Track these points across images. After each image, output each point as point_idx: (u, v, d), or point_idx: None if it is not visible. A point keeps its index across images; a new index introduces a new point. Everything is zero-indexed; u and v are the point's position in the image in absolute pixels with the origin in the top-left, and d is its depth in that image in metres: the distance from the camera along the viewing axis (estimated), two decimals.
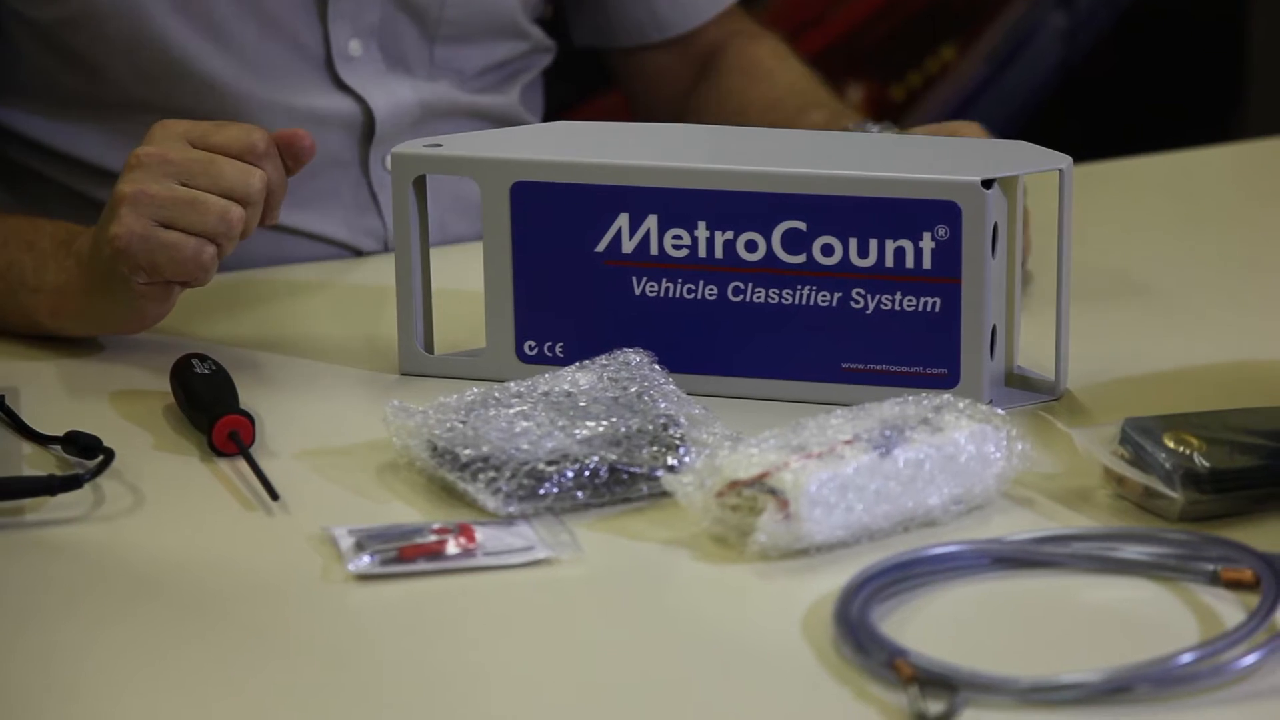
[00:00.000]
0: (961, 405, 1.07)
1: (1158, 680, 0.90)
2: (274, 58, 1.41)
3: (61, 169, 1.44)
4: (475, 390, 1.13)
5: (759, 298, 1.18)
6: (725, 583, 1.01)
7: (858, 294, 1.17)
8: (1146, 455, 1.06)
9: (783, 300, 1.18)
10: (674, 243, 1.18)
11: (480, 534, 1.03)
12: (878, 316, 1.17)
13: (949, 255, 1.15)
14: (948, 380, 1.16)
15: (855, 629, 0.93)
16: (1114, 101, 2.61)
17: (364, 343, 1.29)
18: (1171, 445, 1.06)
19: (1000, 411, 1.08)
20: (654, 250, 1.19)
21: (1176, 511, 1.04)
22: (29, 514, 1.07)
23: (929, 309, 1.16)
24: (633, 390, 1.13)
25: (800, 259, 1.17)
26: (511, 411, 1.11)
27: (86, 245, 1.25)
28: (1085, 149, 1.74)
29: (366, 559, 1.01)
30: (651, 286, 1.19)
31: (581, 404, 1.12)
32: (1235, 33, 2.66)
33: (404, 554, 1.01)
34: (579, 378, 1.14)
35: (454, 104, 1.48)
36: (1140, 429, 1.07)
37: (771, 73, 1.54)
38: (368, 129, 1.45)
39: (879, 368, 1.17)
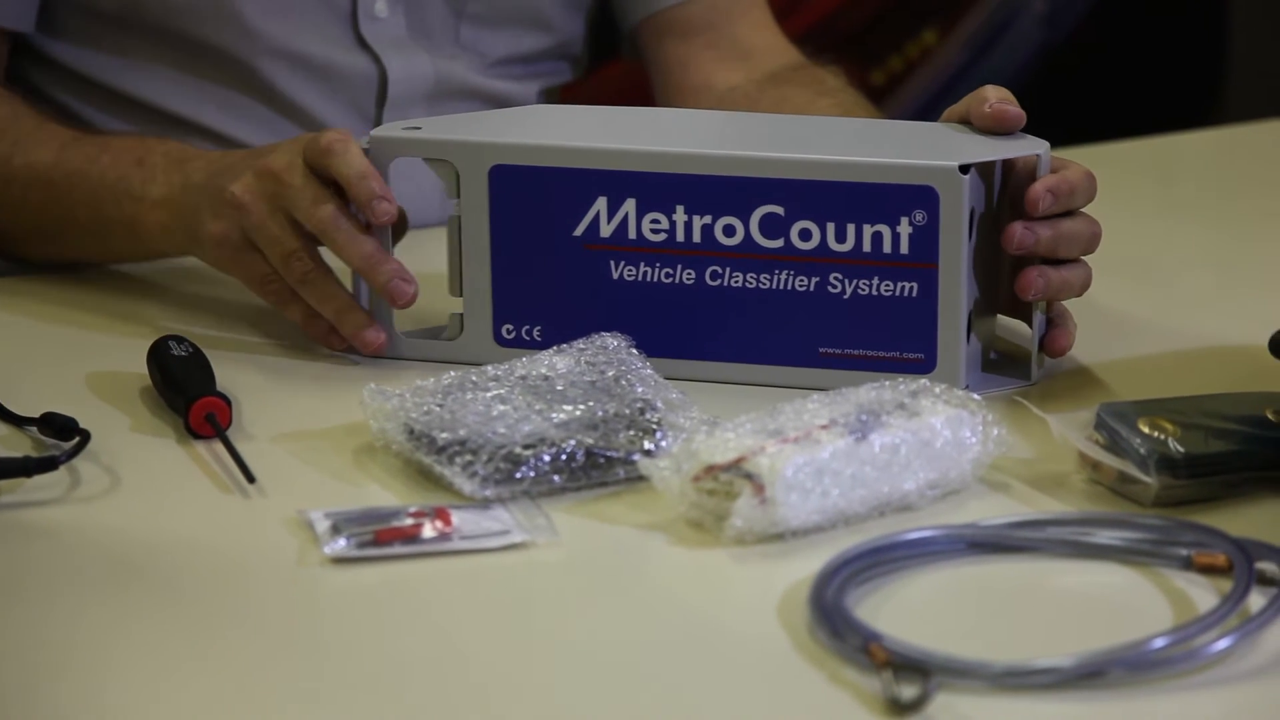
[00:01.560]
0: (938, 390, 1.07)
1: (1131, 665, 0.90)
2: (302, 7, 1.42)
3: (97, 99, 1.44)
4: (452, 374, 1.13)
5: (736, 282, 1.18)
6: (701, 567, 1.01)
7: (835, 278, 1.17)
8: (1121, 440, 1.06)
9: (760, 285, 1.18)
10: (652, 227, 1.18)
11: (456, 518, 1.03)
12: (855, 301, 1.17)
13: (926, 240, 1.15)
14: (924, 365, 1.17)
15: (830, 613, 0.94)
16: (1094, 86, 2.61)
17: None
18: (1146, 430, 1.06)
19: (976, 397, 1.08)
20: (632, 234, 1.19)
21: (1151, 497, 1.05)
22: (4, 496, 1.07)
23: (906, 294, 1.16)
24: (610, 374, 1.13)
25: (778, 243, 1.17)
26: (488, 395, 1.11)
27: (199, 170, 1.28)
28: (1065, 134, 1.75)
29: (342, 542, 1.01)
30: (630, 270, 1.19)
31: (559, 388, 1.12)
32: (1216, 17, 2.66)
33: (380, 537, 1.01)
34: (556, 361, 1.14)
35: (470, 85, 1.48)
36: (1115, 414, 1.07)
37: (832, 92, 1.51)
38: (381, 93, 1.45)
39: (856, 353, 1.17)
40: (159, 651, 0.95)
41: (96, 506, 1.07)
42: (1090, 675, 0.90)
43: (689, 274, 1.18)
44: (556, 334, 1.19)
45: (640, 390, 1.12)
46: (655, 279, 1.19)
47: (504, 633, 0.96)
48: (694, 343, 1.19)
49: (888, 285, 1.16)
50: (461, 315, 1.23)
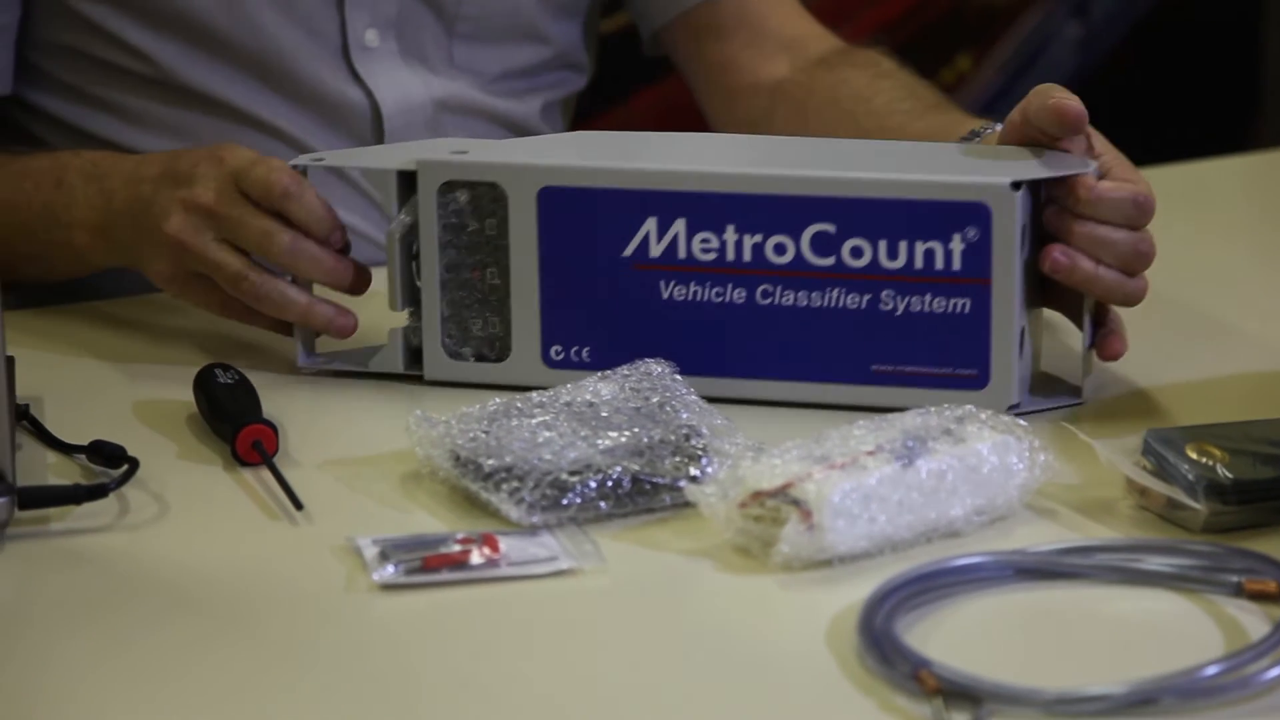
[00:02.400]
0: (984, 416, 1.07)
1: (1183, 692, 0.90)
2: (291, 42, 1.42)
3: (77, 145, 1.44)
4: (498, 400, 1.13)
5: (788, 300, 1.18)
6: (748, 594, 1.01)
7: (887, 295, 1.17)
8: (1169, 466, 1.06)
9: (811, 303, 1.18)
10: (702, 246, 1.19)
11: (504, 544, 1.03)
12: (907, 318, 1.17)
13: (979, 256, 1.15)
14: (978, 380, 1.17)
15: (879, 640, 0.94)
16: (1129, 111, 2.61)
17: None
18: (1194, 456, 1.06)
19: (1023, 423, 1.08)
20: (682, 254, 1.19)
21: (1200, 523, 1.04)
22: (54, 523, 1.08)
23: (959, 310, 1.16)
24: (655, 400, 1.13)
25: (829, 261, 1.17)
26: (534, 422, 1.11)
27: (119, 191, 1.28)
28: None
29: (391, 569, 1.01)
30: (680, 290, 1.19)
31: (604, 414, 1.12)
32: (1250, 42, 2.66)
33: (428, 564, 1.02)
34: (601, 388, 1.15)
35: (470, 104, 1.48)
36: (1163, 440, 1.07)
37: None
38: (377, 122, 1.45)
39: (909, 369, 1.17)
40: (208, 678, 0.95)
41: (145, 534, 1.07)
42: (1142, 703, 0.90)
43: (740, 293, 1.19)
44: (606, 355, 1.19)
45: (685, 416, 1.12)
46: (706, 298, 1.19)
47: (552, 659, 0.96)
48: (745, 361, 1.19)
49: (940, 302, 1.16)
50: (404, 329, 1.23)
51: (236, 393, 1.17)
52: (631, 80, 1.61)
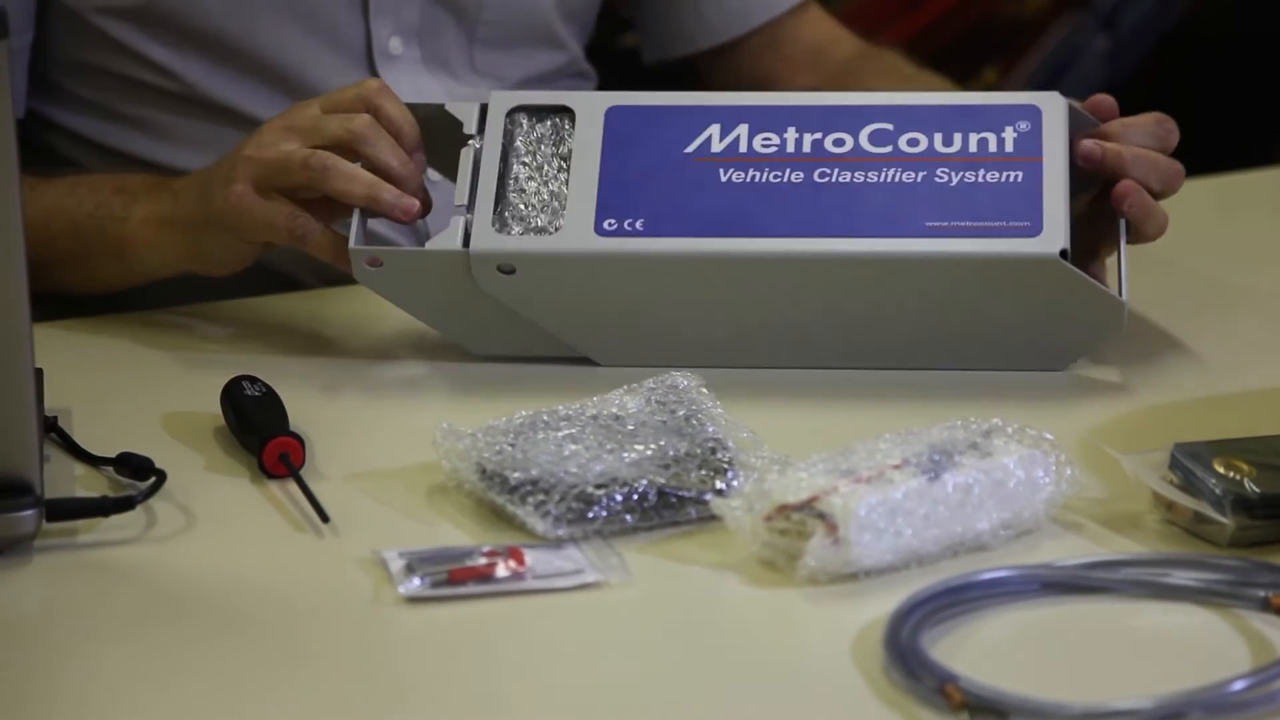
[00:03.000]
0: (1010, 430, 1.07)
1: (1210, 707, 0.90)
2: (314, 53, 1.43)
3: (104, 161, 1.45)
4: (524, 413, 1.13)
5: (844, 179, 1.21)
6: (774, 607, 1.01)
7: (942, 172, 1.21)
8: (1196, 480, 1.06)
9: (868, 179, 1.21)
10: (763, 143, 1.22)
11: (530, 557, 1.03)
12: (962, 188, 1.21)
13: (1031, 141, 1.21)
14: (1030, 230, 1.19)
15: (905, 654, 0.94)
16: None
17: (415, 363, 1.29)
18: (1221, 470, 1.05)
19: (1049, 436, 1.08)
20: (743, 148, 1.22)
21: (1227, 537, 1.04)
22: (82, 535, 1.08)
23: (1012, 180, 1.21)
24: (680, 414, 1.13)
25: (887, 149, 1.22)
26: (560, 434, 1.11)
27: (187, 186, 1.29)
28: None
29: (417, 582, 1.01)
30: (738, 175, 1.22)
31: (629, 427, 1.12)
32: (1277, 56, 2.65)
33: (454, 577, 1.02)
34: (627, 401, 1.15)
35: None
36: (1189, 454, 1.07)
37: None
38: None
39: (963, 224, 1.20)
40: (235, 689, 0.95)
41: (172, 546, 1.07)
42: (1170, 717, 0.89)
43: (797, 175, 1.22)
44: (659, 224, 1.21)
45: (711, 430, 1.12)
46: (764, 180, 1.22)
47: (578, 672, 0.96)
48: (798, 225, 1.21)
49: (994, 175, 1.21)
50: (464, 219, 1.23)
51: (264, 405, 1.18)
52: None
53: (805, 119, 1.23)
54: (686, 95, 1.26)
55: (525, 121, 1.26)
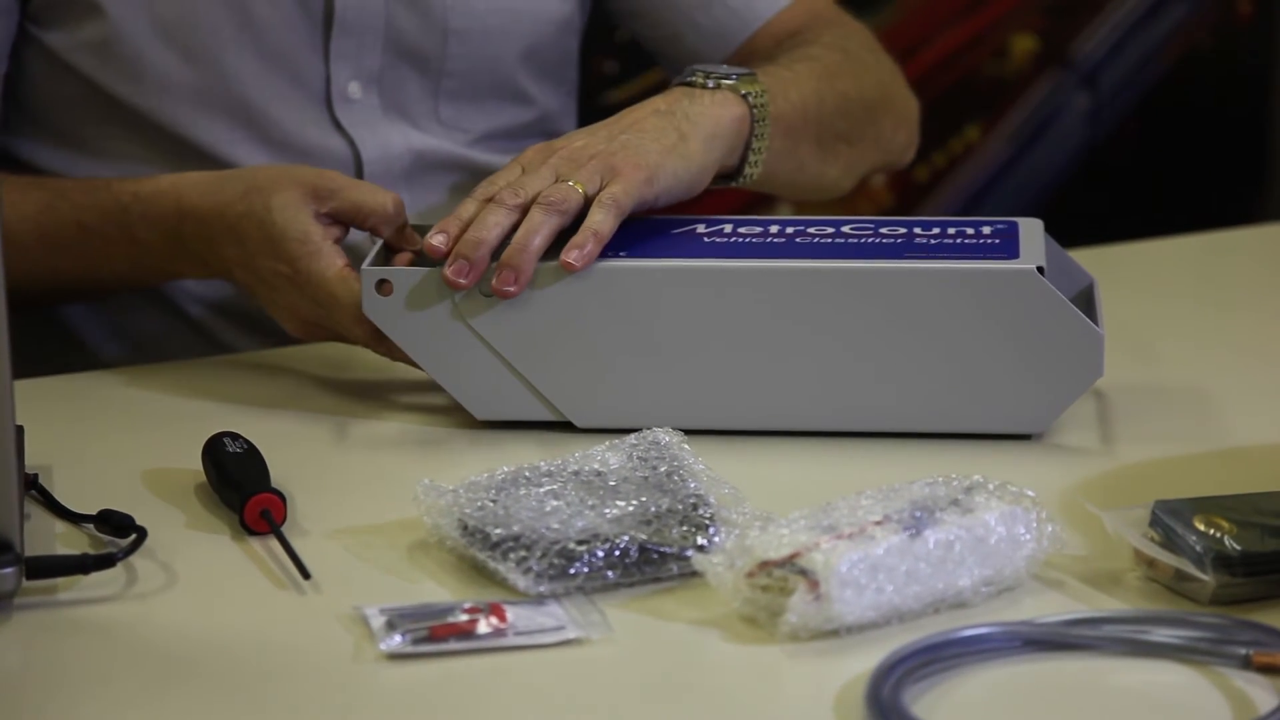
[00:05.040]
0: (991, 487, 1.07)
1: None
2: (274, 91, 1.43)
3: None
4: (505, 469, 1.13)
5: (825, 239, 1.27)
6: (756, 663, 1.01)
7: (920, 231, 1.27)
8: (1177, 538, 1.06)
9: (848, 240, 1.27)
10: (747, 229, 1.28)
11: (511, 613, 1.03)
12: (941, 242, 1.26)
13: (1009, 230, 1.27)
14: (1007, 258, 1.23)
15: (887, 711, 0.93)
16: (1137, 182, 2.62)
17: (396, 419, 1.29)
18: (1202, 528, 1.06)
19: (1030, 493, 1.08)
20: (727, 230, 1.28)
21: (1208, 595, 1.04)
22: (62, 593, 1.08)
23: (989, 237, 1.26)
24: (662, 470, 1.13)
25: (867, 230, 1.27)
26: (542, 491, 1.11)
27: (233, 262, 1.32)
28: (1109, 230, 1.75)
29: (398, 638, 1.01)
30: (721, 239, 1.27)
31: (611, 483, 1.12)
32: (1259, 112, 2.67)
33: (435, 633, 1.02)
34: (609, 457, 1.15)
35: (453, 159, 1.49)
36: (1170, 511, 1.07)
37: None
38: (357, 172, 1.46)
39: (942, 255, 1.24)
40: None
41: (153, 603, 1.07)
42: None
43: (777, 232, 1.28)
44: (641, 253, 1.25)
45: (693, 486, 1.12)
46: (744, 237, 1.27)
47: None
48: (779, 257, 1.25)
49: (971, 233, 1.27)
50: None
51: (245, 462, 1.18)
52: None
53: (788, 224, 1.29)
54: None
55: None
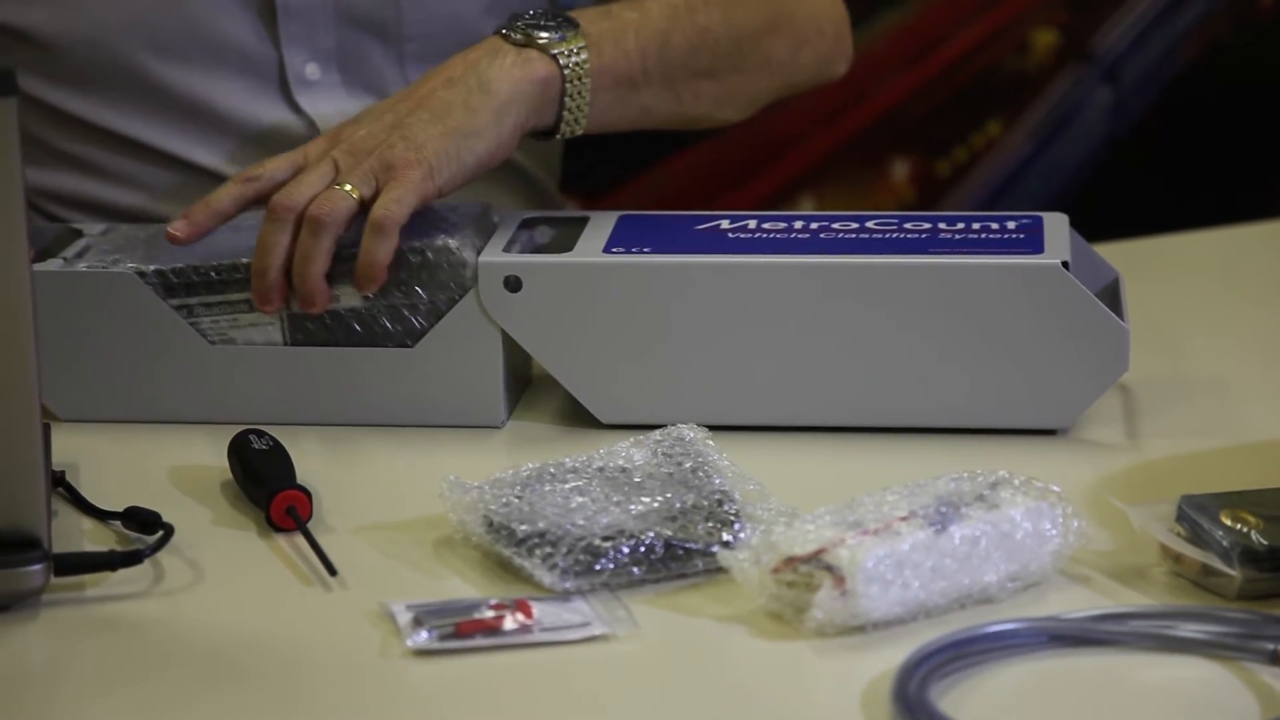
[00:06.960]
0: (1017, 482, 1.07)
1: None
2: (225, 80, 1.42)
3: (36, 199, 1.45)
4: (530, 465, 1.13)
5: (850, 235, 1.27)
6: (782, 659, 1.01)
7: (945, 225, 1.27)
8: (1203, 533, 1.06)
9: (873, 235, 1.26)
10: (771, 224, 1.28)
11: (537, 610, 1.03)
12: (966, 237, 1.26)
13: (1033, 224, 1.27)
14: (1032, 253, 1.23)
15: (913, 707, 0.93)
16: (1160, 177, 2.61)
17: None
18: (1229, 523, 1.06)
19: (1056, 488, 1.08)
20: (751, 226, 1.28)
21: (1234, 589, 1.04)
22: (89, 589, 1.08)
23: (1014, 231, 1.26)
24: (687, 466, 1.13)
25: (890, 224, 1.28)
26: (567, 487, 1.11)
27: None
28: (1132, 224, 1.75)
29: (425, 634, 1.01)
30: (745, 235, 1.27)
31: (636, 480, 1.12)
32: None
33: (461, 630, 1.02)
34: (634, 453, 1.15)
35: None
36: (1197, 506, 1.07)
37: None
38: None
39: (967, 249, 1.24)
40: None
41: (180, 600, 1.08)
42: None
43: (802, 228, 1.28)
44: (666, 249, 1.26)
45: (718, 482, 1.12)
46: (768, 233, 1.27)
47: None
48: (805, 252, 1.25)
49: (996, 227, 1.27)
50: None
51: (271, 459, 1.18)
52: (661, 148, 1.62)
53: (812, 219, 1.29)
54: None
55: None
